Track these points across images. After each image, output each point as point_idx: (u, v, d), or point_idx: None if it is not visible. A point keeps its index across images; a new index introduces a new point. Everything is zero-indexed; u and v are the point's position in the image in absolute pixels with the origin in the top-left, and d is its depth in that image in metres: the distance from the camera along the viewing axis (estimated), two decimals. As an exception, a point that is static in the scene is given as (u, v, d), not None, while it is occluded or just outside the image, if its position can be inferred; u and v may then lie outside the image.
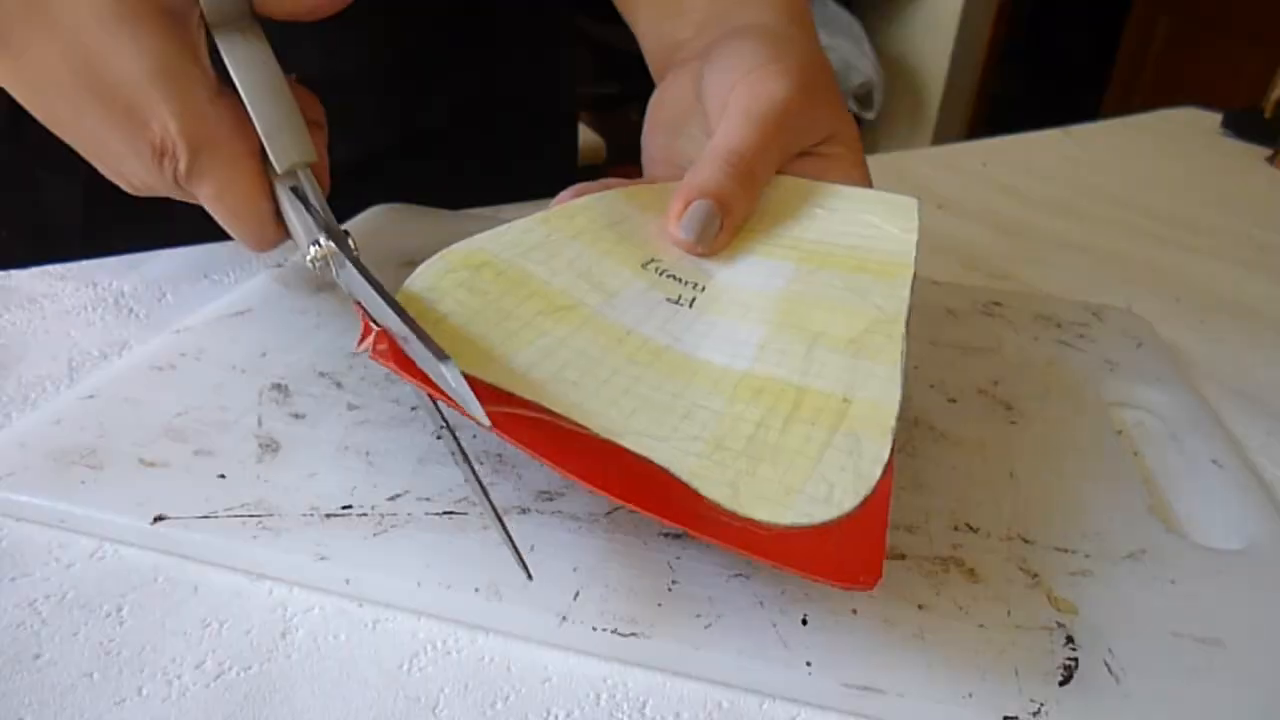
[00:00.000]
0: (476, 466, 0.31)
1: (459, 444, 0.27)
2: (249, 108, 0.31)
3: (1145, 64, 2.47)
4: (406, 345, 0.26)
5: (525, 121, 0.62)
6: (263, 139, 0.32)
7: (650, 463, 0.24)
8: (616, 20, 0.45)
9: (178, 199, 0.34)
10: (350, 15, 0.33)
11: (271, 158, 0.32)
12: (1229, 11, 2.24)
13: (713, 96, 0.34)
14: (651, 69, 0.42)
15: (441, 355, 0.24)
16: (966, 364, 0.40)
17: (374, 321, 0.27)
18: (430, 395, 0.26)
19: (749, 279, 0.32)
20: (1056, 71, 2.94)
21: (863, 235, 0.33)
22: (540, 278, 0.30)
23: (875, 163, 0.38)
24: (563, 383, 0.26)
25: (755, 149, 0.32)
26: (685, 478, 0.24)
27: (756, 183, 0.33)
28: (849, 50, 2.12)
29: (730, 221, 0.33)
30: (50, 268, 0.44)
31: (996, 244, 0.59)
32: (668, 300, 0.31)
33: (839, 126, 0.35)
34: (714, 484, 0.23)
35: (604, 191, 0.34)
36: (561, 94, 0.66)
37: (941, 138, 2.33)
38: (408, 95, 0.56)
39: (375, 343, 0.27)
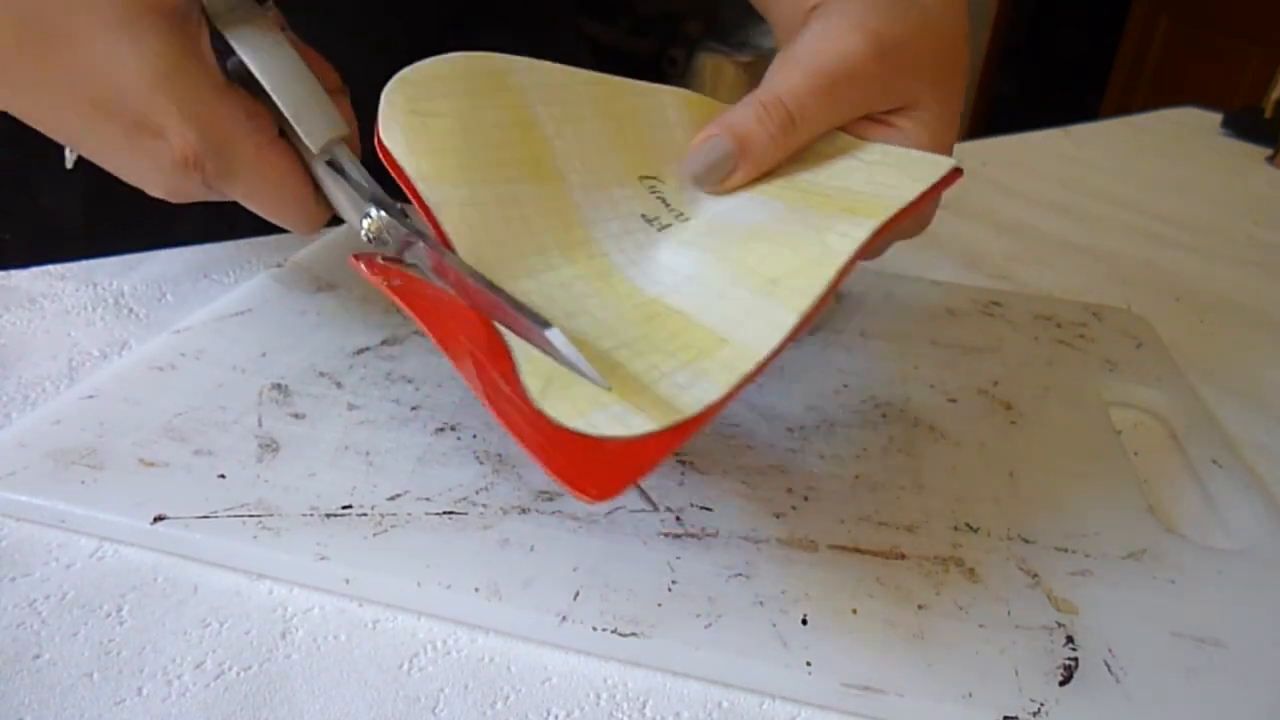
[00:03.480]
0: (478, 466, 0.31)
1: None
2: (271, 94, 0.31)
3: (1145, 64, 2.47)
4: (494, 309, 0.26)
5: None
6: (292, 123, 0.31)
7: (501, 338, 0.25)
8: (616, 20, 0.44)
9: (210, 200, 0.34)
10: (348, 15, 0.33)
11: (305, 139, 0.31)
12: (1229, 11, 2.24)
13: (786, 52, 0.32)
14: (779, 45, 0.38)
15: (543, 322, 0.24)
16: (966, 364, 0.40)
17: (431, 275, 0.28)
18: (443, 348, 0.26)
19: (731, 214, 0.31)
20: (1056, 71, 2.94)
21: (873, 182, 0.30)
22: (545, 135, 0.30)
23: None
24: (486, 240, 0.27)
25: (798, 98, 0.30)
26: (519, 358, 0.24)
27: (792, 133, 0.31)
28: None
29: (748, 165, 0.31)
30: (50, 268, 0.44)
31: (996, 244, 0.59)
32: (642, 216, 0.30)
33: (922, 99, 0.32)
34: (535, 374, 0.24)
35: (672, 89, 0.33)
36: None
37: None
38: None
39: (373, 270, 0.28)
